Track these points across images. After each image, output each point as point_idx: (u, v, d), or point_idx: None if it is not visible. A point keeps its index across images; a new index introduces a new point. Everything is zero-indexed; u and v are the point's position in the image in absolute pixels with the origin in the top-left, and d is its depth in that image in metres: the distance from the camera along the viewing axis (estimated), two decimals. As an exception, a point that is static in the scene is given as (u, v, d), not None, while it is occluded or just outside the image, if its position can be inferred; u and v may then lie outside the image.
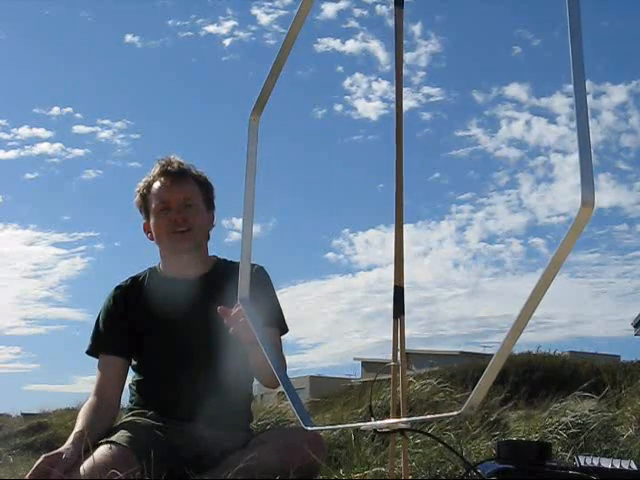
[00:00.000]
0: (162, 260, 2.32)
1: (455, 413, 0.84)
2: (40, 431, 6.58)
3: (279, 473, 1.85)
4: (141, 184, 2.30)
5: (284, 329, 2.31)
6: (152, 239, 2.31)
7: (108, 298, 2.30)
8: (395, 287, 1.62)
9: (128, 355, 2.25)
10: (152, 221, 2.27)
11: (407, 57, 29.68)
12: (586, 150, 0.71)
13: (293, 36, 1.07)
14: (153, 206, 2.26)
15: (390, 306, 1.64)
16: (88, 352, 2.27)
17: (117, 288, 2.31)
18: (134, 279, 2.32)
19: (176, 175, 2.26)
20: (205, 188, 2.32)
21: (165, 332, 2.21)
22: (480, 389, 0.79)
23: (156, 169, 2.29)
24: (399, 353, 1.63)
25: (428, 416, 1.47)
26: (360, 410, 4.43)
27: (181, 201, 2.24)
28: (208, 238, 2.35)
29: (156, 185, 2.27)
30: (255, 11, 38.82)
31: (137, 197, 2.31)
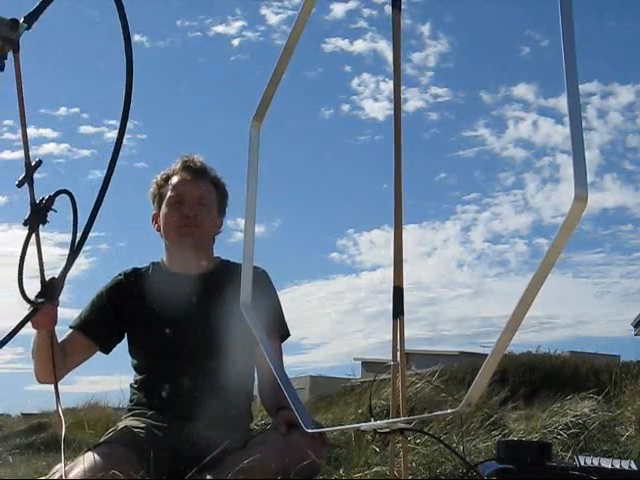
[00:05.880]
0: (166, 253, 2.34)
1: (453, 411, 0.84)
2: (40, 431, 6.58)
3: (280, 473, 1.85)
4: (159, 176, 2.34)
5: (285, 334, 2.32)
6: (159, 230, 2.32)
7: (107, 283, 2.32)
8: (395, 287, 1.63)
9: (96, 338, 2.25)
10: (163, 211, 2.28)
11: (415, 57, 29.70)
12: (579, 144, 0.70)
13: (292, 45, 1.08)
14: (167, 197, 2.28)
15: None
16: (70, 326, 2.27)
17: (119, 275, 2.33)
18: (136, 270, 2.34)
19: (196, 172, 2.30)
20: (221, 193, 2.35)
21: (166, 330, 2.21)
22: (477, 387, 0.79)
23: (178, 164, 2.32)
24: (399, 353, 1.64)
25: (426, 414, 1.47)
26: (360, 410, 4.43)
27: (196, 198, 2.26)
28: (213, 242, 2.36)
29: (175, 178, 2.30)
30: (264, 11, 38.66)
31: (153, 187, 2.34)
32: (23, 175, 1.60)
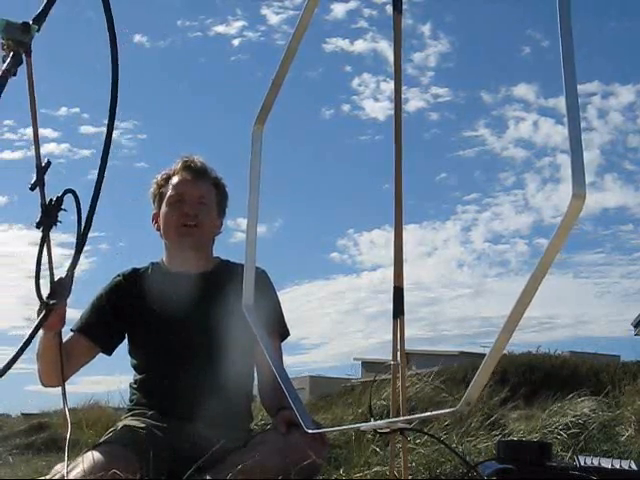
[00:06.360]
0: (166, 253, 2.34)
1: (452, 410, 0.84)
2: (40, 431, 6.58)
3: (280, 473, 1.85)
4: (159, 176, 2.35)
5: (285, 334, 2.32)
6: (159, 230, 2.32)
7: (106, 285, 2.32)
8: (395, 287, 1.63)
9: (98, 340, 2.26)
10: (163, 210, 2.29)
11: (416, 57, 29.75)
12: (577, 143, 0.70)
13: (293, 50, 1.08)
14: (168, 196, 2.28)
15: (392, 306, 1.65)
16: (71, 329, 2.26)
17: (118, 275, 2.33)
18: (135, 270, 2.34)
19: (197, 172, 2.31)
20: (221, 194, 2.35)
21: (166, 330, 2.22)
22: (475, 386, 0.79)
23: (178, 164, 2.33)
24: (399, 353, 1.64)
25: (426, 414, 1.48)
26: (360, 410, 4.43)
27: (196, 197, 2.27)
28: (213, 242, 2.36)
29: (175, 178, 2.31)
30: (264, 11, 38.68)
31: (153, 187, 2.35)
32: (35, 178, 1.60)
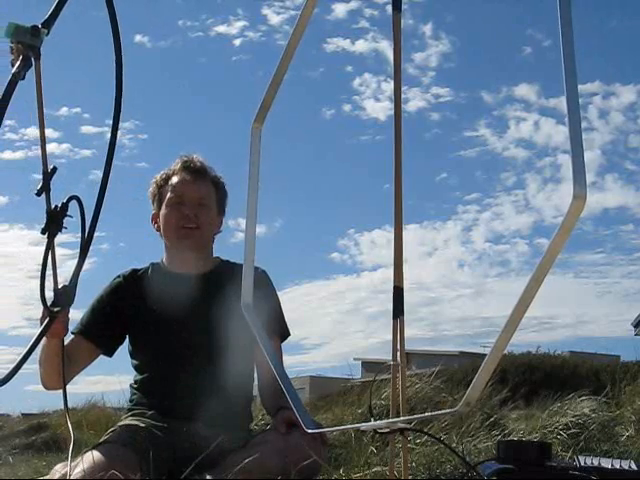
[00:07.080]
0: (166, 253, 2.34)
1: (452, 410, 0.84)
2: (40, 431, 6.57)
3: (279, 473, 1.85)
4: (159, 176, 2.34)
5: (286, 334, 2.32)
6: (158, 230, 2.32)
7: (106, 287, 2.32)
8: (395, 287, 1.63)
9: (99, 342, 2.26)
10: (163, 212, 2.29)
11: (417, 57, 29.84)
12: (578, 144, 0.70)
13: (293, 46, 1.08)
14: (167, 197, 2.28)
15: (392, 306, 1.65)
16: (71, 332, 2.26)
17: (118, 277, 2.33)
18: (135, 271, 2.34)
19: (196, 172, 2.30)
20: (220, 192, 2.35)
21: (166, 330, 2.22)
22: (476, 386, 0.79)
23: (177, 164, 2.32)
24: (399, 353, 1.64)
25: (426, 414, 1.48)
26: (360, 410, 4.42)
27: (196, 199, 2.27)
28: (213, 241, 2.36)
29: (175, 179, 2.30)
30: (265, 11, 38.68)
31: (152, 187, 2.34)
32: (41, 184, 1.60)
